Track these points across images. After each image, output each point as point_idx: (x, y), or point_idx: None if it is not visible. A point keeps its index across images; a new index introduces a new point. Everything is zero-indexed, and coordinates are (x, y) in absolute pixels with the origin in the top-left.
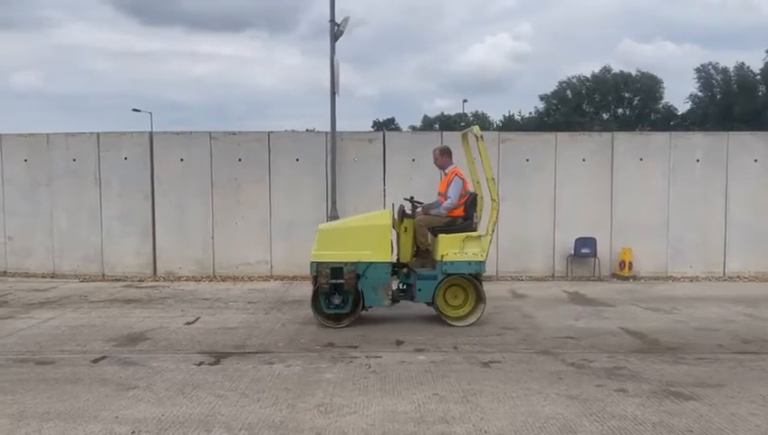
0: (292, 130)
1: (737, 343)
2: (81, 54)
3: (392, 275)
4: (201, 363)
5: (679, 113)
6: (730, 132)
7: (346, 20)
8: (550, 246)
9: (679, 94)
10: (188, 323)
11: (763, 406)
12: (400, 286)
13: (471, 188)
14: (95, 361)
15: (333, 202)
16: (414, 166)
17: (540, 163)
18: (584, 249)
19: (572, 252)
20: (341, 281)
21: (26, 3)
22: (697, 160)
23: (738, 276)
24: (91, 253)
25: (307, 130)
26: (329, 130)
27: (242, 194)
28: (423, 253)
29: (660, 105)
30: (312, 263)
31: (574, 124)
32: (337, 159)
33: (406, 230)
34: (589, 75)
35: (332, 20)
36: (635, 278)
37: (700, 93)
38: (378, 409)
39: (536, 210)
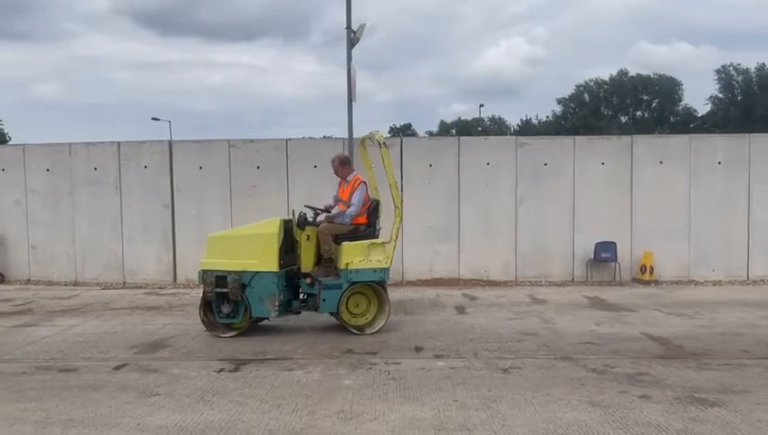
0: (309, 137)
1: (763, 348)
2: (100, 65)
3: (291, 285)
4: (221, 370)
5: (699, 115)
6: (752, 134)
7: (362, 27)
8: (569, 250)
9: (698, 96)
10: (208, 330)
11: None
12: (302, 297)
13: (371, 195)
14: (117, 368)
15: None
16: (432, 171)
17: (558, 167)
18: (604, 254)
19: (592, 256)
20: (226, 290)
21: (48, 16)
22: (719, 163)
23: (762, 280)
24: (112, 261)
25: (324, 137)
26: (345, 136)
27: (260, 201)
28: (325, 262)
29: (679, 107)
30: (200, 271)
31: (592, 128)
32: (354, 166)
33: (308, 238)
34: (606, 78)
35: (349, 27)
36: (656, 283)
37: (720, 95)
38: (398, 416)
39: (555, 215)
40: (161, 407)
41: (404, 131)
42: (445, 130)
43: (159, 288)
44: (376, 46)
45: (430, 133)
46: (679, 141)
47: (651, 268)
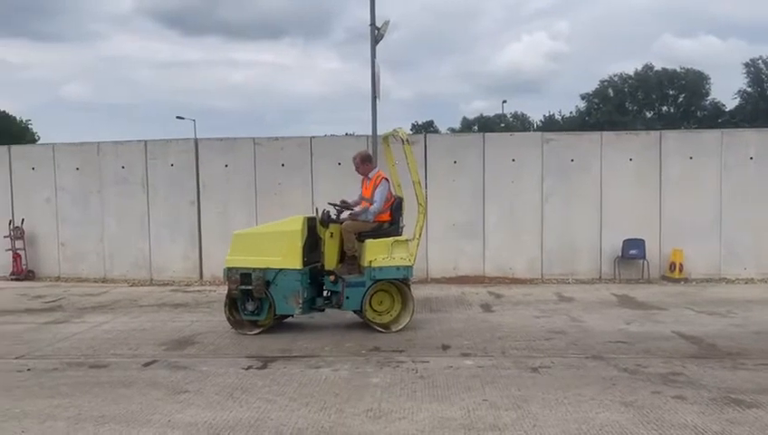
0: (331, 135)
1: None
2: (125, 65)
3: (315, 282)
4: (249, 367)
5: (727, 110)
6: None
7: (386, 24)
8: (596, 247)
9: (725, 90)
10: (234, 328)
11: None
12: (326, 294)
13: (394, 192)
14: (146, 364)
15: None
16: (456, 168)
17: (585, 163)
18: (632, 251)
19: (620, 254)
20: (250, 287)
21: (75, 17)
22: (750, 158)
23: None
24: (139, 259)
25: (346, 135)
26: (367, 133)
27: (285, 198)
28: (349, 259)
29: (707, 102)
30: (225, 268)
31: (617, 123)
32: (379, 163)
33: (332, 236)
34: (632, 73)
35: (373, 24)
36: (686, 280)
37: (749, 89)
38: (427, 415)
39: (582, 212)
40: (191, 404)
41: (426, 128)
42: (467, 126)
43: (186, 285)
44: (396, 43)
45: (452, 130)
46: (710, 136)
47: (681, 266)
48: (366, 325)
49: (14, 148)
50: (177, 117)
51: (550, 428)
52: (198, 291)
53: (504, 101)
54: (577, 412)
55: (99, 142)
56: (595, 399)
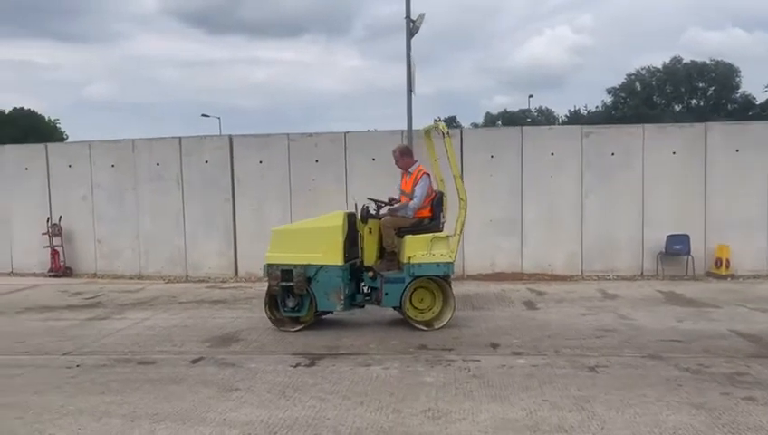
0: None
1: None
2: (150, 65)
3: (354, 278)
4: (297, 365)
5: (758, 103)
6: None
7: (422, 16)
8: (638, 243)
9: (754, 83)
10: (276, 326)
11: None
12: (364, 290)
13: (436, 187)
14: (194, 361)
15: None
16: (493, 162)
17: (626, 157)
18: (676, 246)
19: (663, 250)
20: (291, 284)
21: (100, 18)
22: None
23: None
24: (175, 255)
25: (368, 131)
26: (394, 128)
27: (319, 194)
28: (388, 255)
29: (737, 95)
30: (265, 265)
31: (644, 117)
32: (414, 157)
33: (371, 232)
34: (659, 66)
35: (408, 17)
36: (732, 277)
37: None
38: (487, 415)
39: (623, 207)
40: (244, 402)
41: (449, 124)
42: (490, 121)
43: (222, 282)
44: (417, 39)
45: (474, 125)
46: (758, 129)
47: (727, 262)
48: (407, 322)
49: (51, 145)
50: (203, 115)
51: (619, 430)
52: (235, 287)
53: (531, 96)
54: (645, 414)
55: (134, 139)
56: (662, 400)
